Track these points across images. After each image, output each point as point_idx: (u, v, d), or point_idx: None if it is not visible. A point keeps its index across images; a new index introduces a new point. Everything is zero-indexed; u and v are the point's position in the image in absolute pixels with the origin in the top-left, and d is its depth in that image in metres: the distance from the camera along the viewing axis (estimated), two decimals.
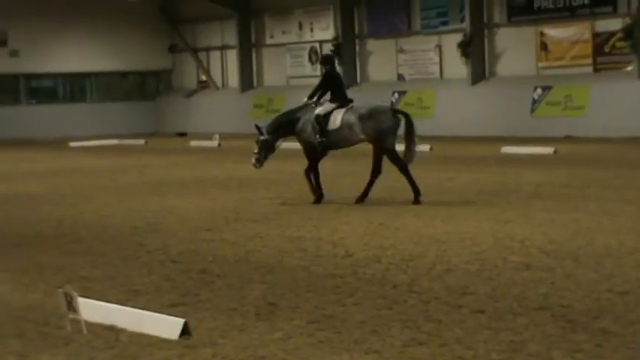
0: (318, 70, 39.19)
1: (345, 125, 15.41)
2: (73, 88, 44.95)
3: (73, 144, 35.86)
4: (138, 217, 14.76)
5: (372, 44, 37.85)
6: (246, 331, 7.72)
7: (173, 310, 8.31)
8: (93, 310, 8.01)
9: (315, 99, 15.85)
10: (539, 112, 32.04)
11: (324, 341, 7.33)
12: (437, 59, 35.47)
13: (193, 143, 34.36)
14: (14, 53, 41.93)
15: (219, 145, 32.90)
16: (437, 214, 13.97)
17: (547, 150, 24.85)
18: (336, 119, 15.46)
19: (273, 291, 9.16)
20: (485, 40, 34.03)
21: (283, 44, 40.61)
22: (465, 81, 34.13)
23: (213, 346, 7.29)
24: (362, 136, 15.46)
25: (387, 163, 15.51)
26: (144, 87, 46.26)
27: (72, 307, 7.69)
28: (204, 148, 32.34)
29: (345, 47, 37.53)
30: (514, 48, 33.38)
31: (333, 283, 9.48)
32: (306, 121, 15.70)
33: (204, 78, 44.43)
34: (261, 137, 16.07)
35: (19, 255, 11.69)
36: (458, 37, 33.94)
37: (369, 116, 15.35)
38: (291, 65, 40.52)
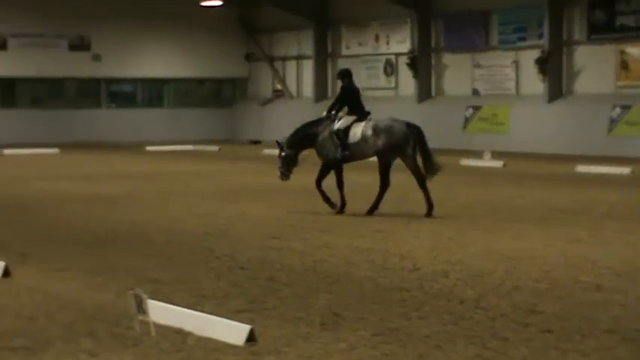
0: (393, 82, 39.25)
1: (363, 138, 15.70)
2: (152, 93, 45.56)
3: (149, 148, 36.39)
4: (209, 223, 14.92)
5: (447, 58, 37.71)
6: (311, 340, 7.77)
7: (240, 316, 8.39)
8: (162, 312, 8.15)
9: (333, 113, 16.10)
10: (617, 132, 31.58)
11: (389, 354, 7.34)
12: (513, 75, 35.19)
13: (266, 151, 34.56)
14: (97, 57, 42.70)
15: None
16: (507, 231, 13.88)
17: (623, 170, 24.49)
18: (356, 132, 15.75)
19: (339, 301, 9.20)
20: (564, 57, 33.66)
21: (359, 55, 40.68)
22: (542, 98, 33.80)
23: (277, 353, 7.36)
24: (374, 149, 15.73)
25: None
26: (220, 94, 46.70)
27: (142, 308, 7.83)
28: (277, 157, 32.43)
29: (421, 60, 37.46)
30: (593, 66, 32.96)
31: (400, 296, 9.49)
32: (326, 136, 15.96)
33: (279, 87, 44.71)
34: (282, 153, 16.41)
35: (94, 255, 11.91)
36: (535, 54, 33.64)
37: (382, 129, 15.63)
38: (365, 77, 40.55)
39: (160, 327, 7.91)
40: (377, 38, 39.86)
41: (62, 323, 8.33)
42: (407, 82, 38.37)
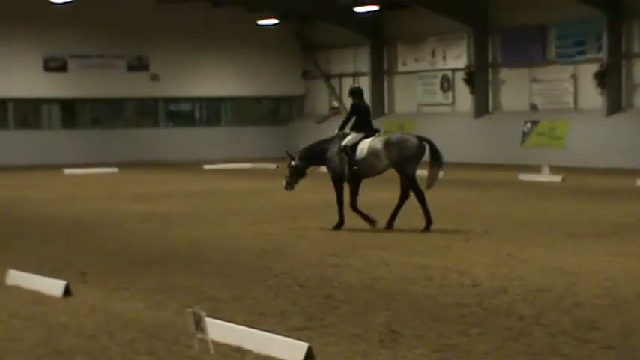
0: (449, 97, 39.13)
1: (371, 153, 15.91)
2: (209, 112, 45.93)
3: (207, 167, 36.64)
4: (267, 240, 14.97)
5: (505, 73, 37.51)
6: (369, 357, 7.75)
7: (298, 334, 8.39)
8: (220, 330, 8.18)
9: (345, 130, 16.42)
10: None
11: None
12: (571, 89, 34.88)
13: (324, 168, 34.59)
14: (155, 77, 43.21)
15: None
16: (567, 246, 13.73)
17: None
18: (364, 148, 15.99)
19: (398, 318, 9.16)
20: (623, 70, 33.30)
21: (415, 71, 40.65)
22: (600, 111, 33.45)
23: None
24: (387, 162, 15.92)
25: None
26: (277, 112, 46.93)
27: (200, 326, 7.87)
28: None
29: (478, 76, 37.32)
30: None
31: (459, 312, 9.43)
32: (334, 153, 16.26)
33: (336, 104, 44.80)
34: (292, 163, 16.79)
35: (153, 273, 12.00)
36: (594, 67, 33.33)
37: (394, 143, 15.86)
38: (422, 93, 40.50)
39: (218, 345, 7.95)
40: (433, 54, 39.80)
41: (122, 342, 8.40)
42: (464, 97, 38.24)
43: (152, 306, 9.93)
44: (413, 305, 9.80)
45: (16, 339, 8.57)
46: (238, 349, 7.95)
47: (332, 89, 44.86)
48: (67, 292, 10.44)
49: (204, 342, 7.88)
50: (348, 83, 44.16)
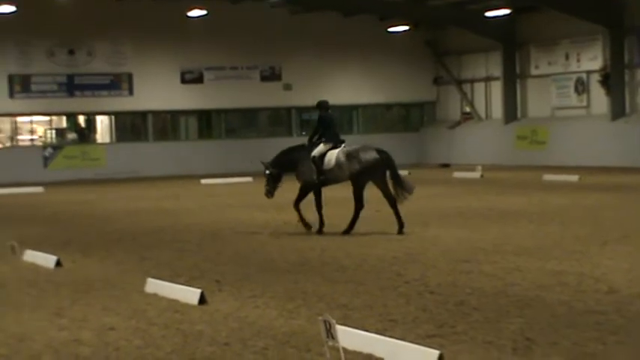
0: (584, 100, 38.30)
1: (336, 164, 17.01)
2: (342, 119, 46.15)
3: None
4: (399, 247, 14.95)
5: None
6: None
7: (429, 341, 8.35)
8: (351, 338, 8.20)
9: (314, 140, 17.46)
10: None
11: None
12: None
13: (456, 174, 34.41)
14: (287, 87, 43.72)
15: (481, 176, 32.76)
16: None
17: None
18: (331, 159, 17.08)
19: (531, 326, 9.02)
20: None
21: (548, 75, 39.97)
22: None
23: None
24: (347, 173, 16.99)
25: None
26: (408, 118, 46.84)
27: (331, 334, 7.91)
28: (467, 180, 32.29)
29: (614, 77, 36.42)
30: None
31: (595, 319, 9.21)
32: (305, 162, 17.30)
33: (467, 109, 44.45)
34: (267, 171, 17.91)
35: (286, 281, 12.13)
36: None
37: (354, 156, 16.94)
38: (556, 96, 39.77)
39: (349, 353, 7.97)
40: (567, 56, 39.08)
41: (255, 349, 8.51)
42: (599, 100, 37.39)
43: (284, 314, 10.03)
44: (547, 312, 9.62)
45: (154, 346, 8.78)
46: (369, 357, 7.96)
47: (464, 95, 44.51)
48: (203, 300, 10.64)
49: (335, 350, 7.92)
50: (480, 88, 43.82)
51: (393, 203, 17.01)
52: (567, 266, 12.44)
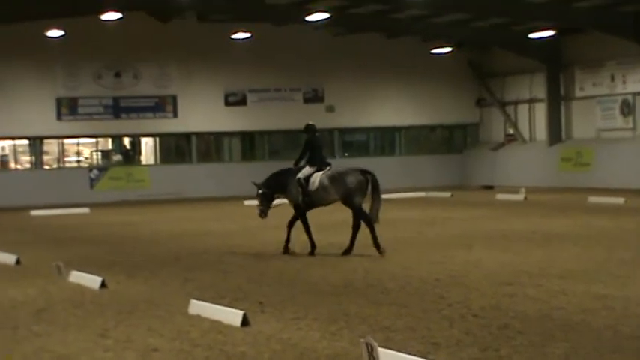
0: (630, 122, 37.98)
1: (320, 187, 17.57)
2: (384, 141, 46.20)
3: (382, 196, 36.71)
4: (442, 270, 14.91)
5: None
6: None
7: None
8: None
9: (301, 164, 18.08)
10: None
11: None
12: None
13: (499, 196, 34.24)
14: (330, 109, 43.84)
15: (525, 198, 32.57)
16: None
17: None
18: (314, 182, 17.66)
19: (576, 350, 8.95)
20: None
21: (593, 96, 39.71)
22: None
23: None
24: (335, 195, 17.54)
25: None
26: (451, 140, 46.74)
27: (373, 356, 7.91)
28: (510, 202, 32.11)
29: None
30: None
31: None
32: (292, 183, 17.90)
33: (511, 131, 44.25)
34: (259, 191, 18.47)
35: (329, 303, 12.13)
36: None
37: (338, 178, 17.47)
38: (601, 118, 39.48)
39: None
40: (612, 78, 38.80)
41: None
42: None
43: (327, 336, 10.04)
44: (592, 337, 9.55)
45: None
46: None
47: (507, 116, 44.33)
48: (245, 321, 10.69)
49: None
50: (523, 110, 43.63)
51: (370, 224, 17.35)
52: (613, 290, 12.33)
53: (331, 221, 25.59)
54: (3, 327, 11.10)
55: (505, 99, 44.43)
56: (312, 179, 17.74)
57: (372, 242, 17.09)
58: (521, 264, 15.29)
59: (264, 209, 18.53)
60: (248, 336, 10.12)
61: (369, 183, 17.41)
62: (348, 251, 17.41)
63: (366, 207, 17.48)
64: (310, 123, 18.65)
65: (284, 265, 16.40)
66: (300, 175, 17.86)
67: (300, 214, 18.02)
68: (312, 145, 18.12)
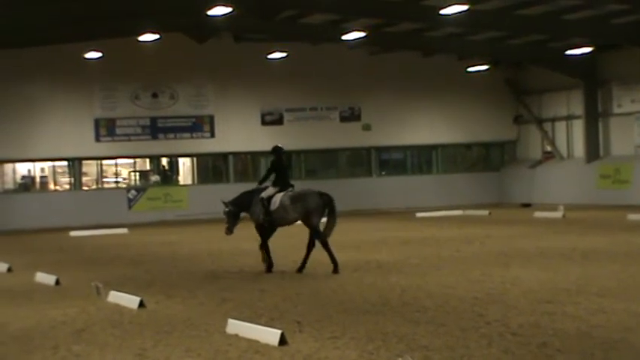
0: None
1: (281, 207, 18.34)
2: (420, 159, 46.12)
3: (419, 214, 36.72)
4: (480, 288, 14.83)
5: None
6: None
7: None
8: None
9: (265, 184, 19.08)
10: None
11: None
12: None
13: (537, 214, 34.03)
14: (367, 127, 43.87)
15: (563, 216, 32.35)
16: None
17: None
18: (276, 202, 18.45)
19: None
20: None
21: (631, 113, 39.40)
22: None
23: None
24: (295, 215, 18.27)
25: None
26: (488, 158, 46.57)
27: None
28: (548, 220, 31.91)
29: None
30: None
31: None
32: (256, 203, 18.72)
33: (549, 148, 44.00)
34: (226, 209, 19.18)
35: (366, 322, 12.11)
36: None
37: (297, 199, 18.26)
38: (639, 134, 39.16)
39: None
40: None
41: None
42: None
43: (364, 355, 10.01)
44: (633, 355, 9.46)
45: None
46: None
47: (545, 134, 44.10)
48: (283, 341, 10.68)
49: None
50: (561, 127, 43.38)
51: (325, 244, 18.09)
52: None
53: (370, 241, 25.58)
54: (43, 347, 11.19)
55: (542, 116, 44.22)
56: (273, 199, 18.52)
57: (330, 260, 17.93)
58: (560, 282, 15.19)
59: (230, 226, 19.24)
60: (286, 356, 10.12)
61: (326, 205, 18.26)
62: (301, 269, 18.18)
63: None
64: (278, 145, 19.58)
65: (320, 284, 16.40)
66: (264, 194, 18.69)
67: (262, 233, 18.77)
68: (278, 166, 19.05)
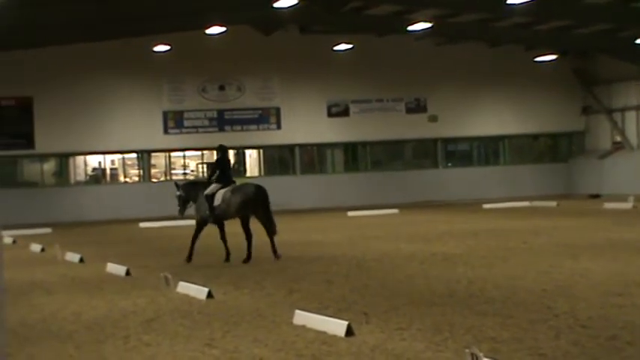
0: None
1: (223, 201, 19.46)
2: (487, 151, 45.83)
3: (486, 206, 36.50)
4: (548, 280, 14.72)
5: None
6: None
7: None
8: None
9: (212, 179, 20.07)
10: None
11: None
12: None
13: (607, 205, 33.62)
14: (433, 118, 43.75)
15: (633, 207, 31.91)
16: None
17: None
18: (219, 197, 19.55)
19: None
20: None
21: None
22: None
23: None
24: (236, 206, 19.31)
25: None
26: (555, 149, 46.09)
27: None
28: (618, 210, 31.50)
29: None
30: None
31: None
32: (201, 198, 19.83)
33: (618, 139, 43.41)
34: (177, 193, 20.63)
35: (433, 313, 12.10)
36: None
37: (236, 192, 19.44)
38: None
39: None
40: None
41: None
42: None
43: (431, 346, 10.01)
44: None
45: None
46: None
47: (614, 124, 43.51)
48: (350, 332, 10.72)
49: None
50: (631, 117, 42.76)
51: (270, 234, 19.51)
52: None
53: (437, 232, 25.53)
54: (114, 337, 11.39)
55: (612, 106, 43.63)
56: (217, 195, 19.62)
57: (272, 249, 19.35)
58: (631, 274, 15.00)
59: (181, 210, 20.65)
60: (352, 346, 10.16)
61: (260, 196, 19.43)
62: (247, 260, 19.17)
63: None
64: (221, 143, 20.81)
65: (387, 275, 16.42)
66: (208, 191, 19.77)
67: (199, 228, 19.98)
68: (222, 164, 20.12)
